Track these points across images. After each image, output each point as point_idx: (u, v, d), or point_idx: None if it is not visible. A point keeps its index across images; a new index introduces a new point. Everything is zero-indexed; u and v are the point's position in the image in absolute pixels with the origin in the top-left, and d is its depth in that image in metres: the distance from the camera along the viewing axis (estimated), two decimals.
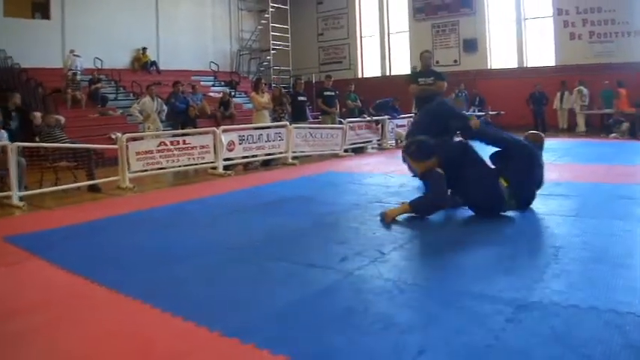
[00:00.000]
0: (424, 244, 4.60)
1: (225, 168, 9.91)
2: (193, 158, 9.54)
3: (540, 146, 5.60)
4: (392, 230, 4.86)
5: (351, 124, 12.94)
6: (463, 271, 3.68)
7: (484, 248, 4.27)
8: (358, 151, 13.14)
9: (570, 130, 16.53)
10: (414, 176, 6.00)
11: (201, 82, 18.05)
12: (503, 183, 5.04)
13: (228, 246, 4.52)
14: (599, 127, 15.85)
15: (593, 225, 4.78)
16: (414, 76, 8.57)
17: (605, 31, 17.04)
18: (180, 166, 9.41)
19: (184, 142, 9.48)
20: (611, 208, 5.46)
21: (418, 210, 5.20)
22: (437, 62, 17.05)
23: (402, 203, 5.37)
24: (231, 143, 10.18)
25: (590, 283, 3.30)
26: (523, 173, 5.17)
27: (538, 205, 5.41)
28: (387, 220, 5.10)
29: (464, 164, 5.20)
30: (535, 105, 16.78)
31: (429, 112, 6.14)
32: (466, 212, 5.35)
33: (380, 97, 15.39)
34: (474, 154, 5.26)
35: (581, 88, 16.28)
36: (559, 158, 9.56)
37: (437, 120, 5.73)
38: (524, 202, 5.28)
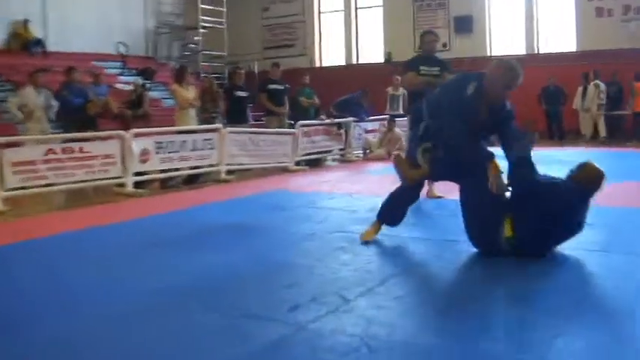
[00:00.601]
0: (401, 287, 4.61)
1: (137, 185, 9.84)
2: (93, 172, 9.41)
3: (592, 191, 5.04)
4: (359, 269, 4.87)
5: (305, 129, 13.00)
6: (450, 324, 3.71)
7: (478, 294, 4.29)
8: (314, 164, 13.22)
9: (597, 136, 16.65)
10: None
11: (106, 70, 17.84)
12: (506, 230, 4.86)
13: (140, 292, 4.46)
14: (633, 131, 16.14)
15: (627, 263, 4.86)
16: (414, 62, 8.30)
17: None
18: (75, 183, 9.28)
19: (81, 150, 9.33)
20: None
21: (388, 221, 5.77)
22: (419, 48, 17.14)
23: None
24: (145, 152, 10.09)
25: (624, 346, 3.28)
26: (544, 222, 4.82)
27: None
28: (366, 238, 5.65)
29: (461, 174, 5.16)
30: (549, 104, 17.00)
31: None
32: (458, 246, 5.38)
33: (344, 93, 15.34)
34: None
35: (598, 82, 16.51)
36: None
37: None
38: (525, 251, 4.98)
